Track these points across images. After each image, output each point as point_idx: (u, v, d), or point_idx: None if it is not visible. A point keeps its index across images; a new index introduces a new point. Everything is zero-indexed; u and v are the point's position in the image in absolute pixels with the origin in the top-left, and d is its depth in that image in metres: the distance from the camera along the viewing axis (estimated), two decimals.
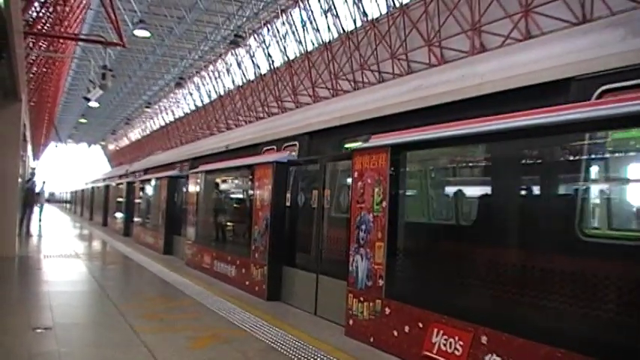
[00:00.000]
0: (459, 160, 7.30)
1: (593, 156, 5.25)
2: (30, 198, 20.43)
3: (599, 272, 4.68)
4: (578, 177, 5.48)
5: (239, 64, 45.09)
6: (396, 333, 6.09)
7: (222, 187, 13.48)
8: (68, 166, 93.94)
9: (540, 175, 5.94)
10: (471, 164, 7.45)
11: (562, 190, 5.96)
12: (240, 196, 12.63)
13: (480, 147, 6.58)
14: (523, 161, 5.93)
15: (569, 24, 18.02)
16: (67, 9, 25.86)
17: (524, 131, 5.02)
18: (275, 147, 10.72)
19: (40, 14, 21.56)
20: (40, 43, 25.13)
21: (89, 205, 35.81)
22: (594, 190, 5.51)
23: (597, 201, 5.50)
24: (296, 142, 10.05)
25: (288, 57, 37.90)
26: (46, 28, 23.88)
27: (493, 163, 6.67)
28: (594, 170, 5.51)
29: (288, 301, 9.02)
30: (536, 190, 5.98)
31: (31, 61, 25.17)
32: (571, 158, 5.62)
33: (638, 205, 5.66)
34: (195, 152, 17.49)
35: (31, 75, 26.91)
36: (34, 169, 20.45)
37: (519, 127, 4.95)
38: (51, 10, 23.15)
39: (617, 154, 5.22)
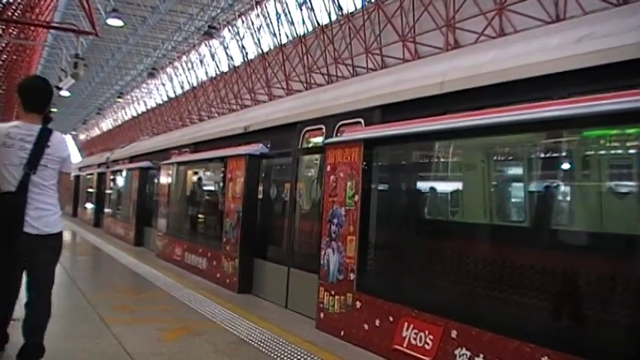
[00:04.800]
0: (429, 155, 7.27)
1: None
2: None
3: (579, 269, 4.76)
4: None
5: (212, 56, 44.77)
6: (366, 327, 6.12)
7: (195, 178, 13.37)
8: None
9: (521, 169, 5.93)
10: (442, 159, 7.46)
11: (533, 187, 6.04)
12: (213, 188, 12.54)
13: (449, 142, 6.58)
14: (510, 157, 5.87)
15: (542, 22, 18.16)
16: None
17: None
18: (324, 126, 8.07)
19: (11, 0, 21.20)
20: (11, 30, 24.74)
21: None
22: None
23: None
24: (360, 119, 7.27)
25: (262, 49, 37.72)
26: (16, 14, 23.49)
27: (464, 158, 6.73)
28: None
29: (259, 294, 9.03)
30: (517, 187, 6.03)
31: (1, 48, 24.76)
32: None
33: None
34: (200, 136, 13.43)
35: (1, 62, 26.47)
36: None
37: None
38: None
39: None
